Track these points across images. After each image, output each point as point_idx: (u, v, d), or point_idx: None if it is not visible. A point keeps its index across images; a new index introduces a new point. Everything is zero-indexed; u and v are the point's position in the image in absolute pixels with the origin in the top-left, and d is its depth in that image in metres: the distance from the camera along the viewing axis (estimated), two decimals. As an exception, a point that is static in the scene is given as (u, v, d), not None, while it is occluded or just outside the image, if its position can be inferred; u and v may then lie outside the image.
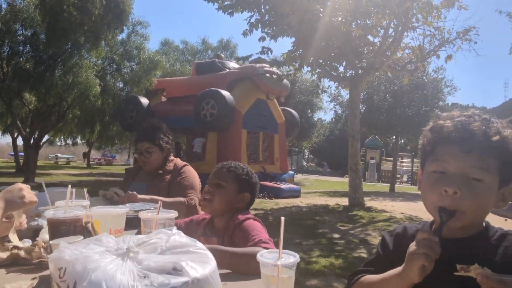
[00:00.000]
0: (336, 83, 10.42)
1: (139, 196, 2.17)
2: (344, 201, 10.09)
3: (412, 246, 0.86)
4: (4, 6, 11.80)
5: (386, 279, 0.95)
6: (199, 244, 0.88)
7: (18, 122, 13.39)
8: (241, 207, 1.60)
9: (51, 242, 1.06)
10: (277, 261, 0.89)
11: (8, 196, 1.30)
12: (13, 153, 23.43)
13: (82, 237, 1.07)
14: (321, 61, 9.41)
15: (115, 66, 14.04)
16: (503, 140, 0.88)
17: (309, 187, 16.26)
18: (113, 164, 34.97)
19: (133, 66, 13.77)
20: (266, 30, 8.37)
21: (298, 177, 20.45)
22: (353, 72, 9.62)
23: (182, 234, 0.91)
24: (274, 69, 10.92)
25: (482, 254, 0.87)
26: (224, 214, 1.59)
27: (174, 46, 27.95)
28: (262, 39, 8.28)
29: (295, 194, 11.57)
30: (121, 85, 14.46)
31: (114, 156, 38.00)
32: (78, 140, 23.88)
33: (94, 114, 14.14)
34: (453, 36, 9.64)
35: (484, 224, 0.95)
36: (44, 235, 1.39)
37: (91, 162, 29.93)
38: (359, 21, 8.47)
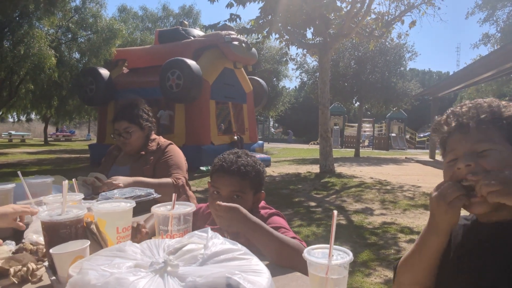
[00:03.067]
0: (305, 50, 10.28)
1: (121, 177, 2.00)
2: (314, 169, 10.25)
3: (443, 195, 0.85)
4: None
5: (420, 243, 0.95)
6: (241, 247, 0.76)
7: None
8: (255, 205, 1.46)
9: (51, 251, 0.89)
10: (328, 260, 0.79)
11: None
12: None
13: (89, 242, 0.92)
14: (289, 27, 9.20)
15: (70, 35, 12.99)
16: (498, 112, 0.90)
17: (277, 156, 16.38)
18: (73, 140, 33.46)
19: (90, 35, 12.79)
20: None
21: (265, 146, 20.51)
22: (321, 39, 9.50)
23: (219, 235, 0.79)
24: (241, 36, 10.58)
25: None
26: None
27: (132, 13, 26.56)
28: (230, 5, 7.93)
29: (266, 163, 11.59)
30: (77, 55, 13.48)
31: (73, 132, 36.32)
32: (33, 116, 22.41)
33: (50, 87, 13.14)
34: (418, 1, 9.74)
35: None
36: (31, 235, 1.22)
37: (48, 139, 28.43)
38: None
